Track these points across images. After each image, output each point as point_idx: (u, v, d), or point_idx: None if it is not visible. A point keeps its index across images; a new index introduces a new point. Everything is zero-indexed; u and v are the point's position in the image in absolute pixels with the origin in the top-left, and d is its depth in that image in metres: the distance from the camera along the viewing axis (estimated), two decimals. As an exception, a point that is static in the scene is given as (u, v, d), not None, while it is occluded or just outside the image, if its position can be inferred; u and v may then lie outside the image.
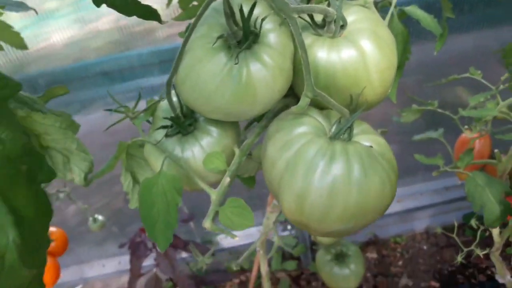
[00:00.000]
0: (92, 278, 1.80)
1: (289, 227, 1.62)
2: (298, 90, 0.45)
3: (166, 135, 0.46)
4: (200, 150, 0.46)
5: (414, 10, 0.64)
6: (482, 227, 1.05)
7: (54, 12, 1.10)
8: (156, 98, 0.48)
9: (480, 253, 1.03)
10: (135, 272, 1.30)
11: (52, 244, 0.98)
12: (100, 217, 1.26)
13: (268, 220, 1.06)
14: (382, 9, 0.59)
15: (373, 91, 0.42)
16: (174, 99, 0.47)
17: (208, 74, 0.38)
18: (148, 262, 1.36)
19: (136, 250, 1.29)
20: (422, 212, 1.37)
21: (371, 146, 0.42)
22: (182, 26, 0.64)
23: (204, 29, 0.40)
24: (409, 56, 0.66)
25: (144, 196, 0.40)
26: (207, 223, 0.40)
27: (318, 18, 0.43)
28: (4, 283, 0.24)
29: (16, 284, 0.25)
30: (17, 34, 0.63)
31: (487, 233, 1.11)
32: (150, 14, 0.39)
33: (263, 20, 0.39)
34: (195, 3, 0.60)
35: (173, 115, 0.46)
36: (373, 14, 0.44)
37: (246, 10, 0.40)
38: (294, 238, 1.59)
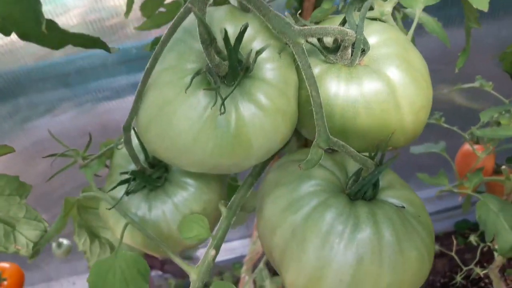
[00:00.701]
0: (62, 296, 1.65)
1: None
2: (303, 128, 0.34)
3: (128, 192, 0.34)
4: (173, 210, 0.35)
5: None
6: (482, 244, 0.98)
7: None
8: (114, 144, 0.35)
9: (481, 272, 0.96)
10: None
11: (5, 283, 0.84)
12: (65, 242, 1.10)
13: (254, 245, 0.95)
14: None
15: (403, 135, 0.32)
16: (136, 142, 0.34)
17: (182, 120, 0.27)
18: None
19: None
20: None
21: (403, 207, 0.32)
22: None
23: (173, 58, 0.28)
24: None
25: (96, 286, 0.29)
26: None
27: (328, 39, 0.32)
28: None
29: None
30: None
31: (486, 248, 1.05)
32: (92, 43, 0.27)
33: (258, 52, 0.27)
34: (162, 9, 0.47)
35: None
36: (400, 33, 0.33)
37: (231, 32, 0.28)
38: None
